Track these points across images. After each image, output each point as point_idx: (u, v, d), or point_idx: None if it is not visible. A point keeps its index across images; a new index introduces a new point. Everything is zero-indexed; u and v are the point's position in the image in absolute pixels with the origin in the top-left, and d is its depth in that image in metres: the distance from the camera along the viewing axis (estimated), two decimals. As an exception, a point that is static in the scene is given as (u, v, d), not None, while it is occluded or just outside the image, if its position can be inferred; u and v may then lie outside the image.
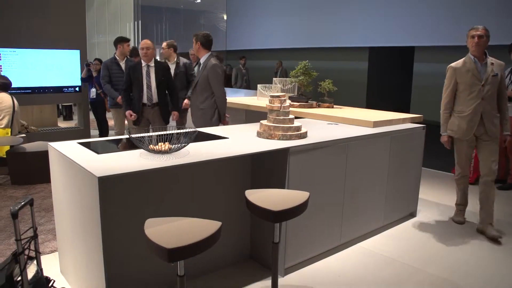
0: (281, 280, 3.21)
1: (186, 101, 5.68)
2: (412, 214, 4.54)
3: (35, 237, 2.14)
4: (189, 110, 5.13)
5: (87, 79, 7.98)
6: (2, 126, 5.70)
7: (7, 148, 5.66)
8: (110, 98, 6.31)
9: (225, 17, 13.59)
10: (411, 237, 4.07)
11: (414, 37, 9.78)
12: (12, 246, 3.71)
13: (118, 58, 6.27)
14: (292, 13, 11.74)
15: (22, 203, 2.06)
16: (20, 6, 7.14)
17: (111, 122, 7.58)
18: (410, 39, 9.83)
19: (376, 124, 4.04)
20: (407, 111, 8.59)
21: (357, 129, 3.94)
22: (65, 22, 7.64)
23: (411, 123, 4.45)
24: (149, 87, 4.98)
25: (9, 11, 7.05)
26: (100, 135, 8.11)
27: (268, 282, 3.18)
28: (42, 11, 7.40)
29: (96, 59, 9.04)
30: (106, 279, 2.37)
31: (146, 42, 4.94)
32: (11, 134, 5.74)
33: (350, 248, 3.80)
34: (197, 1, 15.39)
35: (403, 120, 4.38)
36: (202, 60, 4.72)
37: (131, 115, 5.03)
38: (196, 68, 5.60)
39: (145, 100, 5.01)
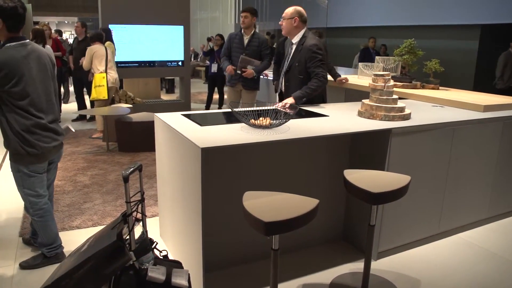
0: (373, 264, 3.15)
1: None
2: (522, 208, 4.19)
3: (142, 200, 2.28)
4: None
5: (208, 53, 8.34)
6: (100, 71, 6.43)
7: (105, 89, 6.39)
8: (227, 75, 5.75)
9: (326, -7, 13.29)
10: (519, 232, 3.77)
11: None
12: (119, 208, 4.01)
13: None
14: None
15: (132, 168, 2.20)
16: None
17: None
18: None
19: (487, 108, 3.73)
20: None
21: (465, 112, 3.68)
22: (168, -1, 7.96)
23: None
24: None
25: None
26: (219, 107, 8.64)
27: (359, 264, 3.14)
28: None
29: (217, 34, 9.57)
30: (203, 245, 2.47)
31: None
32: (106, 78, 6.43)
33: (449, 238, 3.61)
34: (299, -24, 15.16)
35: (518, 105, 4.01)
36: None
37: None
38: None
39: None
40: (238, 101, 5.61)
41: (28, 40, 2.75)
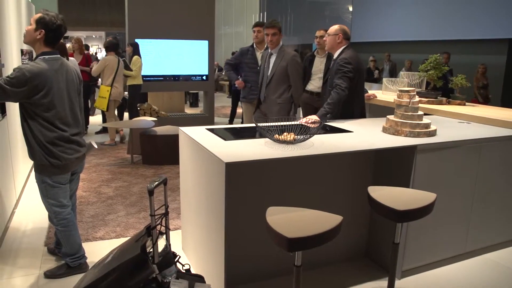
0: (397, 283, 3.09)
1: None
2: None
3: (166, 214, 2.30)
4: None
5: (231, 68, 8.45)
6: (106, 84, 6.80)
7: (106, 102, 6.79)
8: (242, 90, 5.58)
9: (350, 8, 13.30)
10: (550, 253, 3.65)
11: None
12: (142, 220, 4.05)
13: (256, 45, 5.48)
14: (422, 4, 11.12)
15: (157, 182, 2.22)
16: (155, 0, 7.70)
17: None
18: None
19: (516, 125, 3.66)
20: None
21: (492, 129, 3.61)
22: (196, 14, 8.09)
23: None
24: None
25: (146, 6, 7.64)
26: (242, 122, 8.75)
27: (383, 282, 3.08)
28: (175, 4, 7.91)
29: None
30: (225, 260, 2.47)
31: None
32: (110, 92, 6.81)
33: (476, 258, 3.52)
34: (322, -8, 15.29)
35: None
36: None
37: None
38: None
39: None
40: None
41: (59, 55, 2.84)
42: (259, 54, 5.36)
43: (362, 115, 4.13)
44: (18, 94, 2.58)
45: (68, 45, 7.50)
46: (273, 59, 4.54)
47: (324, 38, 4.10)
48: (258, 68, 5.24)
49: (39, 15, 2.75)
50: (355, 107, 4.03)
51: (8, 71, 4.26)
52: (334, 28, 4.00)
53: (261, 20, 14.56)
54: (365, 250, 3.46)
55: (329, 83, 3.97)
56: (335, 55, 4.00)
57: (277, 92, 4.54)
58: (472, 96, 8.89)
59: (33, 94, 2.63)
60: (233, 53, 13.73)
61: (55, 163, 2.78)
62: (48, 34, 2.73)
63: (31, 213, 4.18)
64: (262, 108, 4.69)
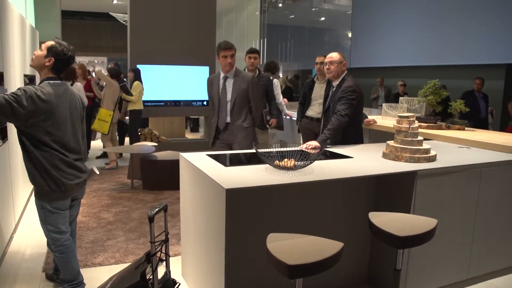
0: (400, 310, 3.04)
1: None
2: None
3: (166, 241, 2.29)
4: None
5: None
6: (109, 107, 7.14)
7: (107, 126, 7.09)
8: None
9: (349, 35, 13.49)
10: (554, 280, 3.61)
11: None
12: (141, 246, 4.02)
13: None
14: (421, 29, 11.24)
15: (157, 208, 2.22)
16: (157, 27, 7.82)
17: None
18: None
19: (516, 149, 3.67)
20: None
21: (492, 154, 3.61)
22: (196, 40, 8.19)
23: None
24: None
25: (148, 32, 7.75)
26: None
27: (386, 310, 3.04)
28: (176, 31, 8.02)
29: None
30: (226, 286, 2.44)
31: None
32: (112, 116, 7.13)
33: (479, 284, 3.48)
34: (322, 19, 15.51)
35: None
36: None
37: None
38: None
39: None
40: None
41: (63, 81, 2.88)
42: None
43: (360, 141, 4.17)
44: (21, 114, 2.56)
45: None
46: (230, 83, 4.30)
47: (327, 66, 4.08)
48: None
49: (52, 43, 2.79)
50: (356, 132, 4.06)
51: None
52: (337, 56, 4.04)
53: (262, 47, 14.73)
54: (366, 276, 3.43)
55: (332, 110, 3.97)
56: (337, 82, 4.04)
57: (241, 116, 4.31)
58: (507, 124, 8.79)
59: (35, 116, 2.62)
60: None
61: (54, 188, 2.78)
62: (57, 63, 2.78)
63: (29, 238, 4.15)
64: (223, 136, 4.35)
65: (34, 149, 2.72)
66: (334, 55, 4.07)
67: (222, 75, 4.35)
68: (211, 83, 4.45)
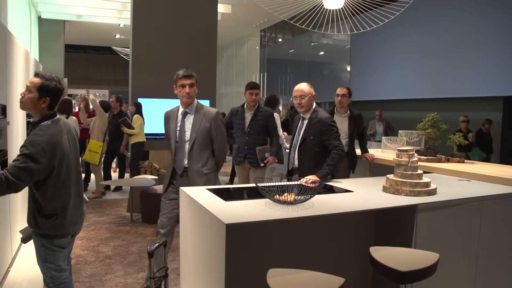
0: None
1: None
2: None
3: (165, 276, 2.27)
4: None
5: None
6: (99, 140, 7.51)
7: (98, 157, 7.36)
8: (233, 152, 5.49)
9: (348, 68, 13.69)
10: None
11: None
12: (140, 280, 3.96)
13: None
14: (418, 63, 11.42)
15: (157, 244, 2.21)
16: (158, 61, 7.92)
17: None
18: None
19: (517, 182, 3.67)
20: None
21: (493, 186, 3.61)
22: (197, 75, 8.27)
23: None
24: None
25: (149, 66, 7.86)
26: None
27: None
28: (177, 65, 8.10)
29: None
30: (226, 323, 2.40)
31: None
32: (102, 147, 7.47)
33: (484, 320, 3.42)
34: (321, 53, 15.78)
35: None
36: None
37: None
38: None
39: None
40: (247, 179, 5.23)
41: (58, 116, 2.78)
42: (248, 115, 5.14)
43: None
44: (41, 169, 2.48)
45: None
46: (190, 120, 3.78)
47: (297, 101, 3.83)
48: (245, 129, 5.11)
49: (39, 81, 2.63)
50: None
51: (13, 128, 4.33)
52: (306, 89, 3.82)
53: (262, 81, 14.93)
54: (368, 312, 3.37)
55: (309, 143, 3.81)
56: (307, 115, 3.87)
57: (201, 160, 3.71)
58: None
59: (52, 164, 2.56)
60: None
61: (58, 228, 2.69)
62: (53, 101, 2.67)
63: (26, 273, 4.10)
64: (178, 183, 3.71)
65: (36, 191, 2.62)
66: (304, 88, 3.83)
67: (181, 109, 3.85)
68: (168, 119, 3.95)
